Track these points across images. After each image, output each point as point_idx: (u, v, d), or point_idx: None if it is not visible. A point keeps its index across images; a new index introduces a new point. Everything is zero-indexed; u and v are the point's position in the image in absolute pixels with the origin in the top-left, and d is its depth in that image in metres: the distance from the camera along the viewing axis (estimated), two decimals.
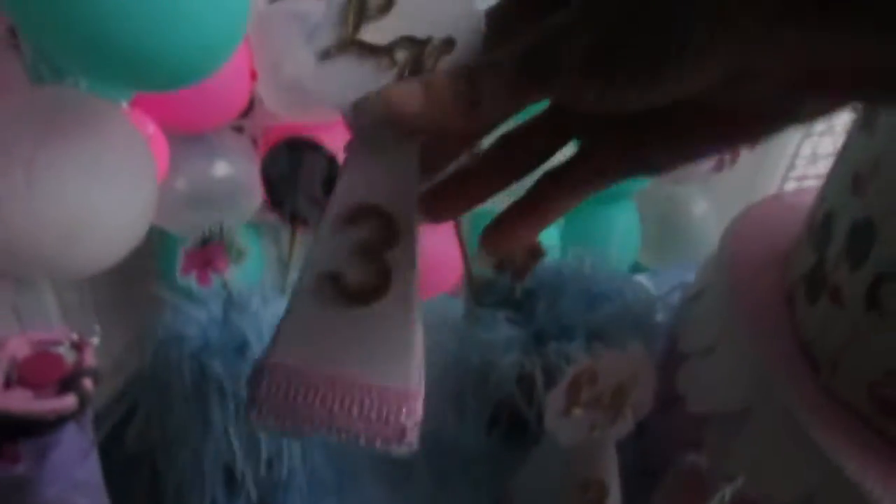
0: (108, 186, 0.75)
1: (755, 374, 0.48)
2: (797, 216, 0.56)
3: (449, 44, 0.27)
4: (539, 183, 0.30)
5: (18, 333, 1.04)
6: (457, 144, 0.30)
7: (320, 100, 0.28)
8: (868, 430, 0.48)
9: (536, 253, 0.53)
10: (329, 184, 0.48)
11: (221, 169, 1.05)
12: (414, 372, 0.28)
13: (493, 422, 0.54)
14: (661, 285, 0.71)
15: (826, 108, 0.27)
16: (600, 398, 0.42)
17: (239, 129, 1.08)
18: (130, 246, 0.79)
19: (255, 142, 1.11)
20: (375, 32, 0.27)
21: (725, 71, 0.23)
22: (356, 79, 0.27)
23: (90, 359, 1.06)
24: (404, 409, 0.28)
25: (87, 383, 1.03)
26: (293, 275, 0.61)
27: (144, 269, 1.11)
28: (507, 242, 0.31)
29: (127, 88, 0.81)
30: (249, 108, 1.06)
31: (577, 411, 0.42)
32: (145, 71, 0.64)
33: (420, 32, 0.27)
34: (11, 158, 0.69)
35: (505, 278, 0.54)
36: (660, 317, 0.54)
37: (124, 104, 0.82)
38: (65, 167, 0.71)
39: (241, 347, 0.44)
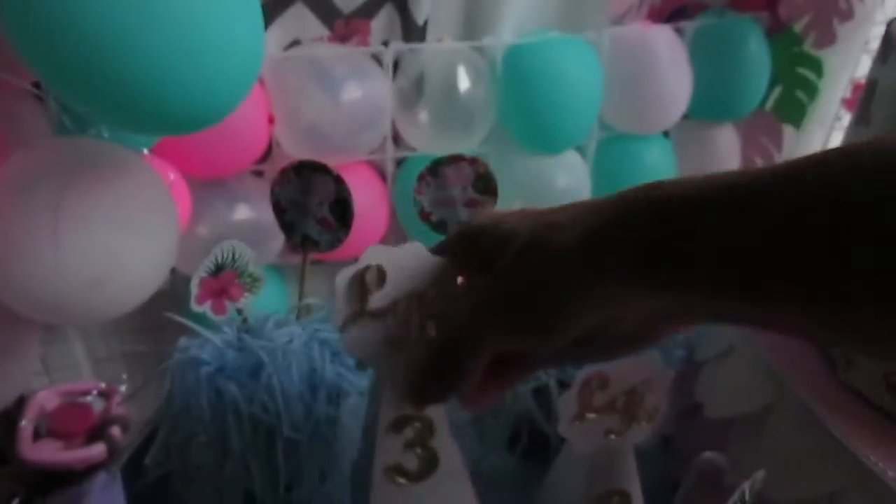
0: (131, 233, 0.76)
1: (772, 374, 0.47)
2: None
3: (429, 290, 0.37)
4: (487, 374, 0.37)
5: (46, 385, 1.05)
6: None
7: (349, 355, 0.39)
8: (887, 421, 0.47)
9: None
10: (337, 205, 0.49)
11: (242, 213, 1.06)
12: None
13: (513, 440, 0.53)
14: None
15: (677, 331, 0.35)
16: (613, 403, 0.41)
17: (259, 174, 1.10)
18: (153, 289, 0.80)
19: None
20: (379, 299, 0.36)
21: (591, 320, 0.31)
22: (373, 337, 0.36)
23: (118, 407, 1.07)
24: None
25: (116, 431, 1.03)
26: (306, 299, 0.61)
27: (170, 320, 1.12)
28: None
29: (146, 133, 0.83)
30: (268, 152, 1.08)
31: (591, 416, 0.41)
32: (163, 115, 0.65)
33: (408, 288, 0.37)
34: (36, 208, 0.70)
35: None
36: None
37: (145, 151, 0.84)
38: (89, 215, 0.72)
39: (256, 369, 0.44)
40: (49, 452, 0.99)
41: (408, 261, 0.37)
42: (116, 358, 1.22)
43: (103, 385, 1.08)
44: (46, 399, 1.03)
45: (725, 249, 0.27)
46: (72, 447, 1.01)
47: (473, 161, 0.62)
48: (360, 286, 0.36)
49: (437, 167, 0.63)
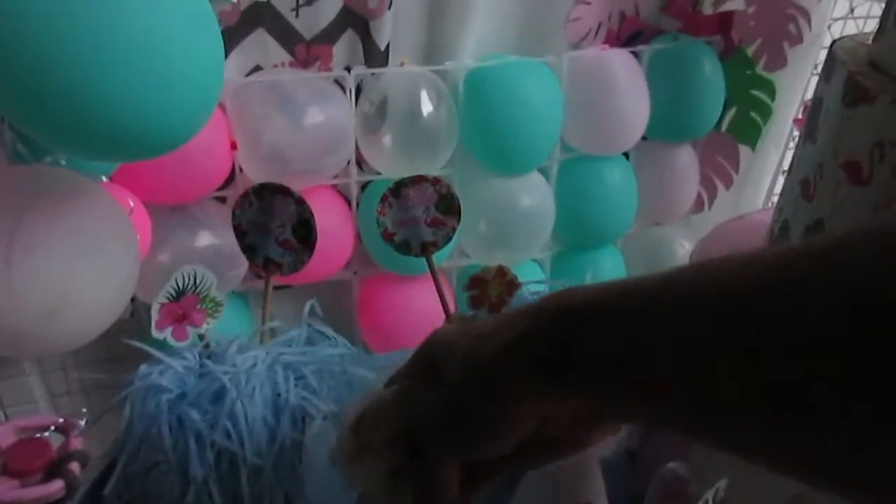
0: (89, 261, 0.74)
1: None
2: (760, 231, 0.58)
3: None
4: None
5: (2, 421, 1.02)
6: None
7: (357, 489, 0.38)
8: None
9: (511, 286, 0.52)
10: (300, 227, 0.49)
11: (205, 240, 1.05)
12: None
13: None
14: None
15: (608, 433, 0.37)
16: None
17: (221, 200, 1.09)
18: (112, 319, 0.78)
19: None
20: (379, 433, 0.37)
21: (524, 424, 0.32)
22: (376, 470, 0.37)
23: (77, 442, 1.04)
24: None
25: (75, 467, 1.00)
26: (269, 322, 0.61)
27: (132, 349, 1.09)
28: None
29: (104, 160, 0.82)
30: (231, 178, 1.07)
31: None
32: (121, 141, 0.64)
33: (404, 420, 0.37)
34: None
35: (483, 313, 0.53)
36: None
37: (104, 179, 0.83)
38: (45, 244, 0.71)
39: (219, 395, 0.43)
40: (5, 491, 0.96)
41: (404, 396, 0.37)
42: (75, 391, 1.19)
43: (61, 419, 1.05)
44: (2, 435, 1.00)
45: (610, 358, 0.29)
46: (29, 484, 0.98)
47: (436, 181, 0.63)
48: (361, 424, 0.37)
49: (399, 188, 0.63)
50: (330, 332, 0.58)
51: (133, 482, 0.44)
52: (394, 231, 0.65)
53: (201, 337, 0.46)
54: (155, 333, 0.44)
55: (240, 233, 0.53)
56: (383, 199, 0.65)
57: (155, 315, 0.45)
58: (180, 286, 0.47)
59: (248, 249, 0.53)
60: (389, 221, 0.65)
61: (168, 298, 0.46)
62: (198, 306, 0.47)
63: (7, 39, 0.59)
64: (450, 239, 0.65)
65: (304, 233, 0.60)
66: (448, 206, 0.63)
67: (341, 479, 0.38)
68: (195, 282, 0.47)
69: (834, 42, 0.58)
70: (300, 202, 0.50)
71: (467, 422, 0.33)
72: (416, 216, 0.63)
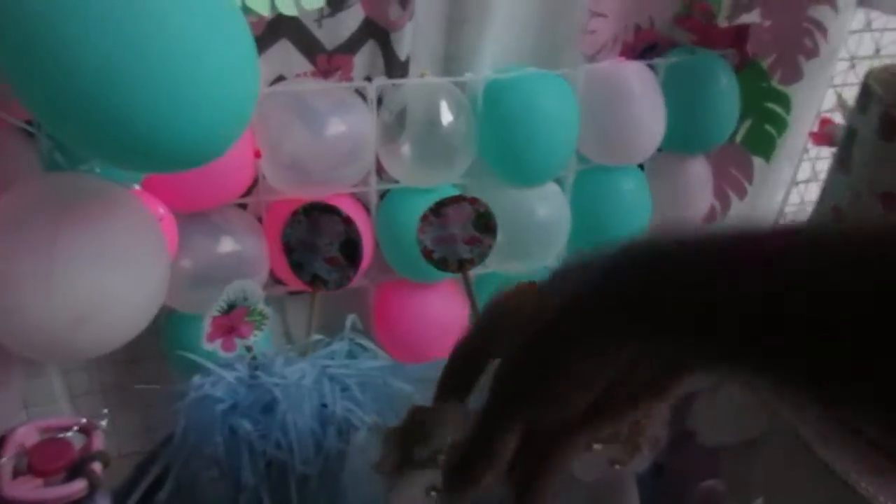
0: (122, 269, 0.76)
1: (765, 405, 0.49)
2: None
3: None
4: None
5: (26, 421, 1.04)
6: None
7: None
8: (872, 449, 0.49)
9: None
10: (347, 245, 0.51)
11: (227, 246, 1.06)
12: None
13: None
14: None
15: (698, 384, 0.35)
16: (618, 433, 0.43)
17: (243, 206, 1.11)
18: (143, 325, 0.80)
19: (259, 218, 1.13)
20: (421, 452, 0.37)
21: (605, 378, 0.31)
22: (419, 490, 0.36)
23: (98, 442, 1.05)
24: None
25: (97, 467, 1.02)
26: (314, 336, 0.62)
27: (151, 350, 1.11)
28: None
29: (142, 170, 0.83)
30: (253, 185, 1.09)
31: (597, 447, 0.43)
32: (161, 153, 0.66)
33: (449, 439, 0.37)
34: (32, 244, 0.70)
35: None
36: None
37: (136, 186, 0.85)
38: (82, 252, 0.72)
39: (270, 405, 0.45)
40: (29, 490, 0.98)
41: (448, 415, 0.38)
42: (95, 392, 1.21)
43: (84, 420, 1.06)
44: (26, 435, 1.02)
45: (698, 308, 0.28)
46: (52, 484, 0.99)
47: (474, 201, 0.64)
48: (405, 439, 0.37)
49: (439, 207, 0.65)
50: (370, 344, 0.59)
51: (184, 490, 0.45)
52: (432, 248, 0.66)
53: (248, 349, 0.47)
54: (205, 345, 0.45)
55: (288, 250, 0.55)
56: (424, 219, 0.66)
57: (206, 328, 0.47)
58: (231, 299, 0.48)
59: (296, 266, 0.55)
60: (428, 239, 0.66)
61: (220, 311, 0.47)
62: (245, 318, 0.48)
63: (49, 53, 0.60)
64: (486, 256, 0.67)
65: (351, 251, 0.61)
66: (484, 223, 0.65)
67: (383, 492, 0.38)
68: (244, 296, 0.48)
69: (868, 74, 0.59)
70: (348, 221, 0.52)
71: (543, 374, 0.32)
72: (454, 234, 0.65)
